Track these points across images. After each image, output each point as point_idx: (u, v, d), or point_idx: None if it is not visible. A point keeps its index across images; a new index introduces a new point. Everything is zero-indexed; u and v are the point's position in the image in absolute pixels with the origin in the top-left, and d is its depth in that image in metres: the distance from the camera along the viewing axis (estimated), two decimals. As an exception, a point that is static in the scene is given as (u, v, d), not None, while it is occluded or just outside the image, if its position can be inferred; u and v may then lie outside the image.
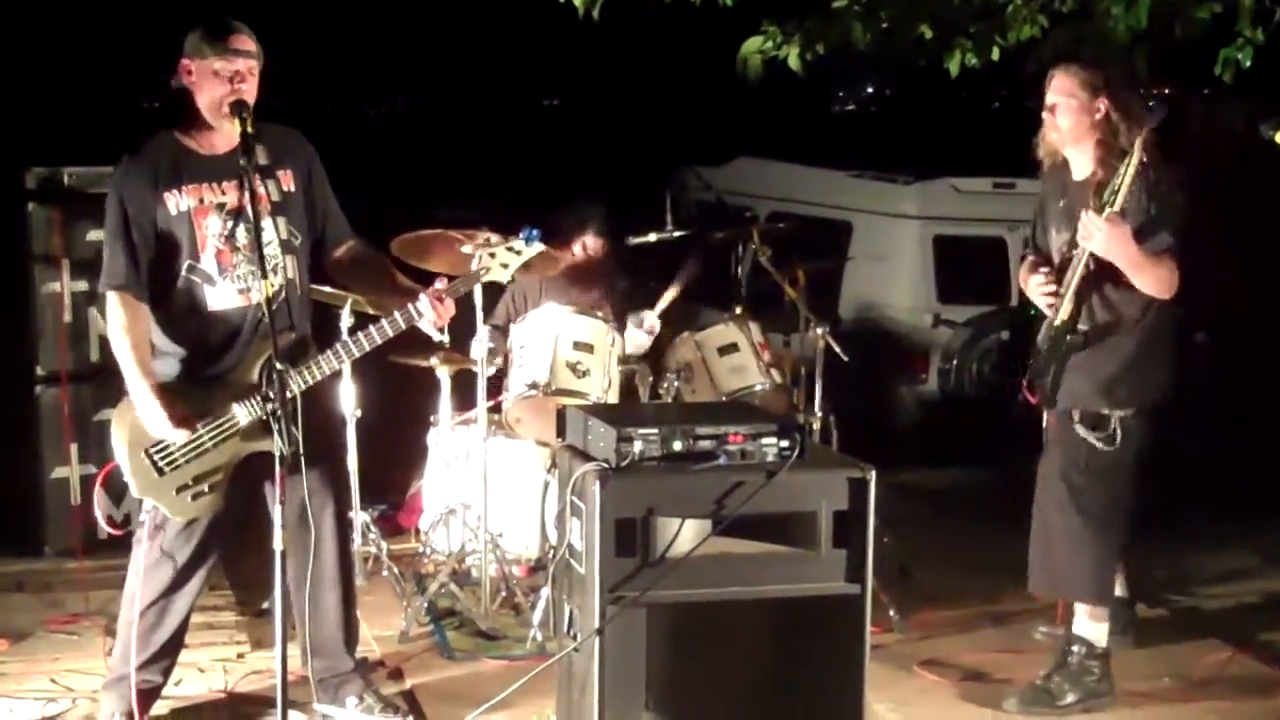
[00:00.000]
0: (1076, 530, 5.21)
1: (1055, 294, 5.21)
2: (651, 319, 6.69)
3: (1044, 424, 5.47)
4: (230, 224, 4.63)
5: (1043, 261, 5.40)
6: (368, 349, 4.71)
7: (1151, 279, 4.99)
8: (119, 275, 4.60)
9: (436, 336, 4.91)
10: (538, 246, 5.17)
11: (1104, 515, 5.22)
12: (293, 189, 4.74)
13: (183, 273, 4.63)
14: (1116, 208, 4.87)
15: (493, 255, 5.10)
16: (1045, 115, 5.25)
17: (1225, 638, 5.92)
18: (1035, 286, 5.30)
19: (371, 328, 4.69)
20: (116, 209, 4.60)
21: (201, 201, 4.62)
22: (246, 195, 4.42)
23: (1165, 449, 5.37)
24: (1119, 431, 5.15)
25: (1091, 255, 5.00)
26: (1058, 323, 5.19)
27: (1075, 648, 5.25)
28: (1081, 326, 5.15)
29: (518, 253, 5.11)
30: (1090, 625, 5.25)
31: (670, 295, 6.73)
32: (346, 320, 5.90)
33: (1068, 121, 5.18)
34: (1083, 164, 5.24)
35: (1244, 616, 6.26)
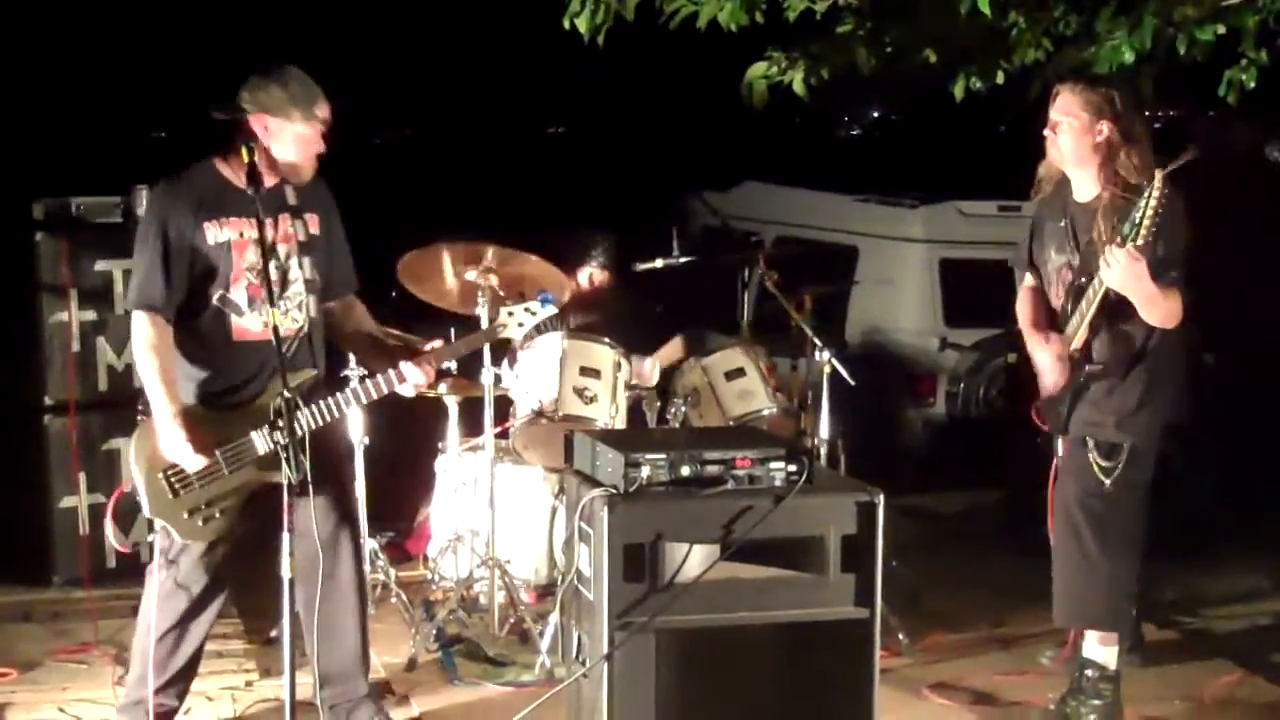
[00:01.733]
0: (1094, 557, 5.19)
1: (1068, 359, 5.18)
2: (654, 366, 6.67)
3: (1056, 450, 5.43)
4: (262, 259, 4.68)
5: (1046, 305, 5.37)
6: (364, 402, 4.89)
7: (1162, 313, 4.97)
8: (153, 296, 4.66)
9: (408, 394, 5.01)
10: (551, 309, 5.29)
11: (1119, 541, 5.20)
12: (317, 233, 4.87)
13: (214, 301, 4.72)
14: (1139, 241, 4.79)
15: (510, 314, 5.20)
16: (1047, 134, 5.22)
17: (1235, 659, 5.90)
18: (1051, 364, 5.24)
19: (368, 382, 4.87)
20: (157, 230, 4.67)
21: (241, 235, 4.71)
22: (296, 227, 4.69)
23: (1176, 471, 5.36)
24: (1134, 458, 5.14)
25: (1102, 294, 4.99)
26: (1072, 349, 5.17)
27: (1088, 671, 5.23)
28: (1096, 355, 5.13)
29: (533, 314, 5.22)
30: (1101, 649, 5.23)
31: (671, 349, 6.75)
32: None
33: (1069, 142, 5.15)
34: (1086, 186, 5.21)
35: (1254, 638, 6.24)
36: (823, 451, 6.39)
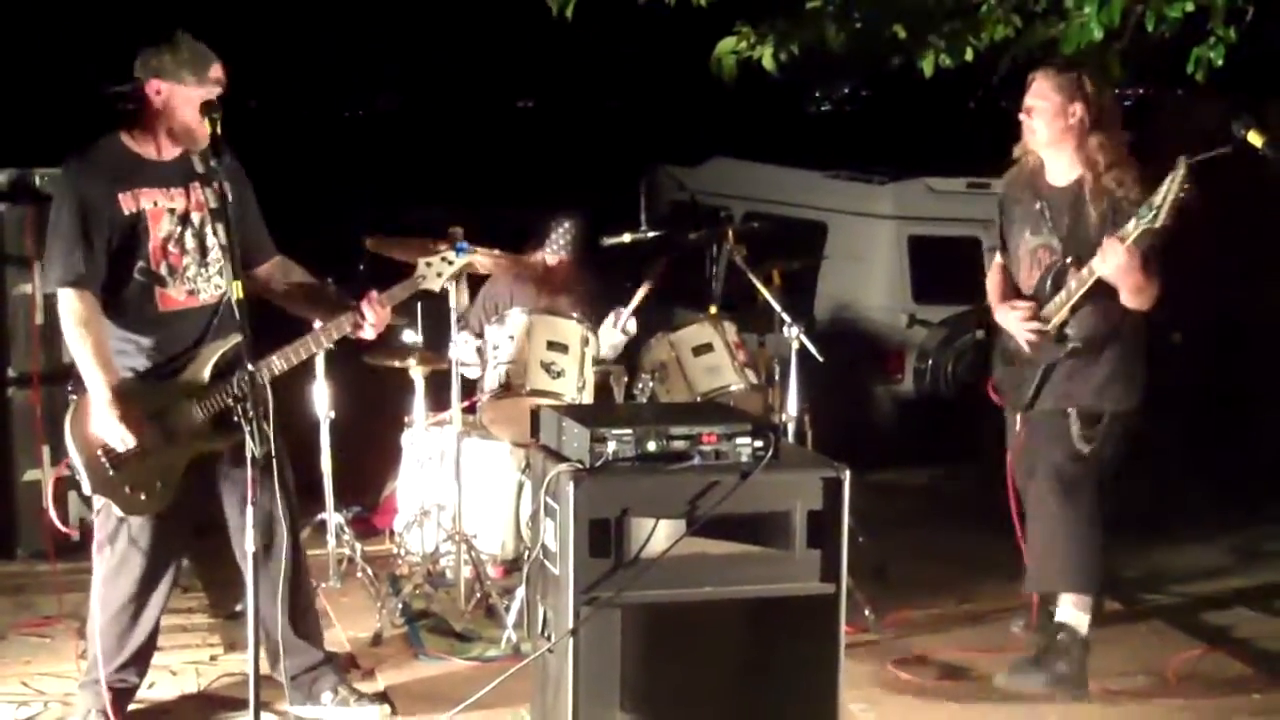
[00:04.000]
0: (1070, 522, 5.30)
1: (1038, 329, 5.30)
2: (627, 319, 6.67)
3: (1012, 425, 5.55)
4: (179, 228, 4.73)
5: (1012, 283, 5.48)
6: (315, 351, 4.90)
7: (1145, 300, 5.15)
8: (77, 271, 4.62)
9: (370, 336, 4.98)
10: (465, 258, 5.33)
11: (1092, 507, 5.32)
12: (230, 200, 4.77)
13: (135, 274, 4.70)
14: (1158, 224, 4.91)
15: (429, 264, 5.18)
16: (1022, 117, 5.32)
17: (1198, 635, 5.95)
18: (1017, 322, 5.36)
19: (318, 332, 4.85)
20: (73, 206, 4.64)
21: (155, 204, 4.70)
22: (205, 197, 4.60)
23: (1141, 447, 5.41)
24: (1113, 427, 5.29)
25: (1092, 282, 5.11)
26: (1050, 326, 5.28)
27: (1061, 635, 5.30)
28: (1069, 332, 5.25)
29: (449, 263, 5.22)
30: (1075, 613, 5.30)
31: (641, 294, 6.72)
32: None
33: (1043, 124, 5.25)
34: (1061, 169, 5.31)
35: (1217, 614, 6.27)
36: (790, 427, 6.40)
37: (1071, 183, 5.28)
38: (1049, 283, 5.31)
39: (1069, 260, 5.23)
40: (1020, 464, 5.55)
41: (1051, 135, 5.25)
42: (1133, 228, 4.97)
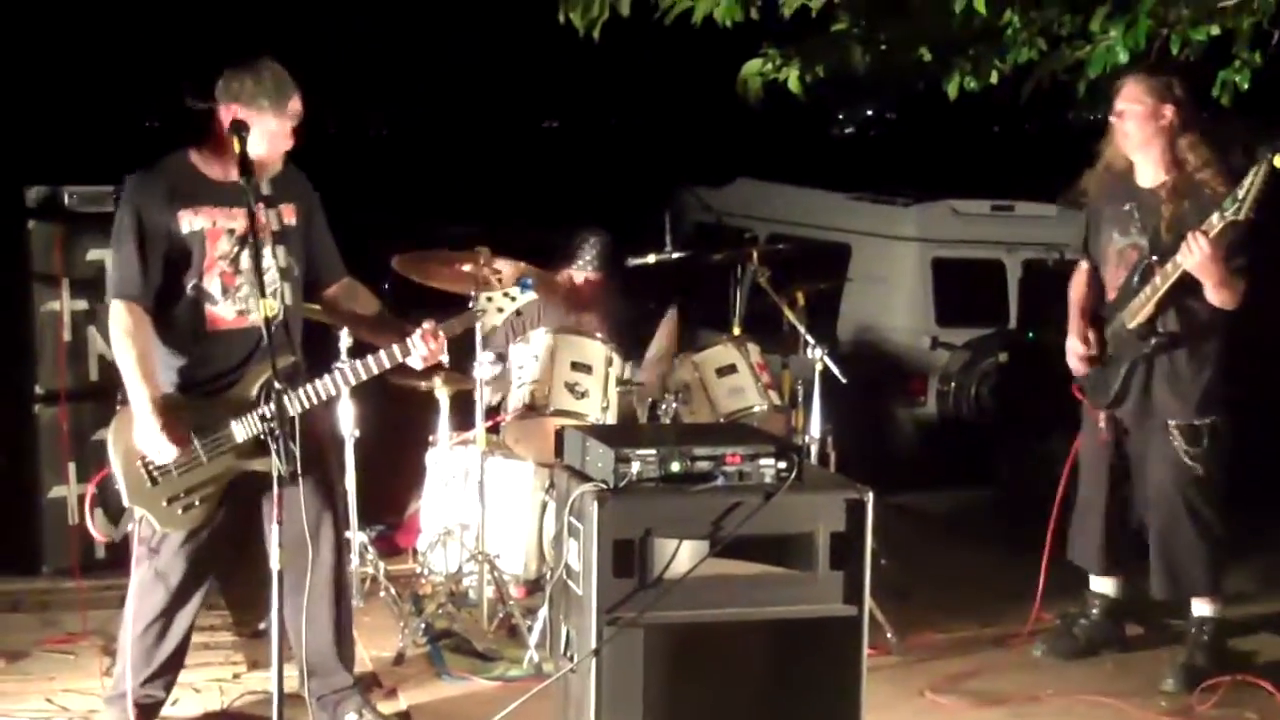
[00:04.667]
0: (1201, 531, 5.52)
1: (1092, 360, 5.57)
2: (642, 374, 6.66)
3: (1092, 424, 5.73)
4: (236, 248, 4.74)
5: (1098, 286, 5.67)
6: (364, 378, 4.87)
7: (1228, 296, 5.26)
8: (130, 284, 4.67)
9: (419, 367, 4.96)
10: (530, 296, 5.46)
11: (1215, 516, 5.54)
12: (293, 223, 4.88)
13: (188, 290, 4.73)
14: (1241, 216, 5.02)
15: (490, 299, 5.21)
16: (1113, 120, 5.47)
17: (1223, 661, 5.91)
18: (1071, 353, 5.64)
19: (370, 358, 4.84)
20: (131, 220, 4.68)
21: (214, 224, 4.73)
22: (269, 217, 4.68)
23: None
24: (1216, 437, 5.48)
25: (1176, 276, 5.24)
26: (1132, 325, 5.43)
27: (1204, 628, 5.60)
28: (1161, 329, 5.41)
29: (512, 299, 5.25)
30: (1208, 606, 5.64)
31: (656, 347, 6.73)
32: (345, 341, 5.90)
33: (1134, 127, 5.40)
34: (1149, 170, 5.47)
35: (1241, 639, 6.20)
36: (813, 449, 6.40)
37: (1160, 184, 5.43)
38: (1135, 279, 5.44)
39: (1155, 258, 5.34)
40: (1133, 467, 5.68)
41: (1144, 137, 5.40)
42: (1216, 220, 5.08)
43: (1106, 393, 5.58)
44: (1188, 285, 5.27)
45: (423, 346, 4.79)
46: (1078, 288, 5.77)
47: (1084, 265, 5.78)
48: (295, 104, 4.74)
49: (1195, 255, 5.10)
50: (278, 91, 4.69)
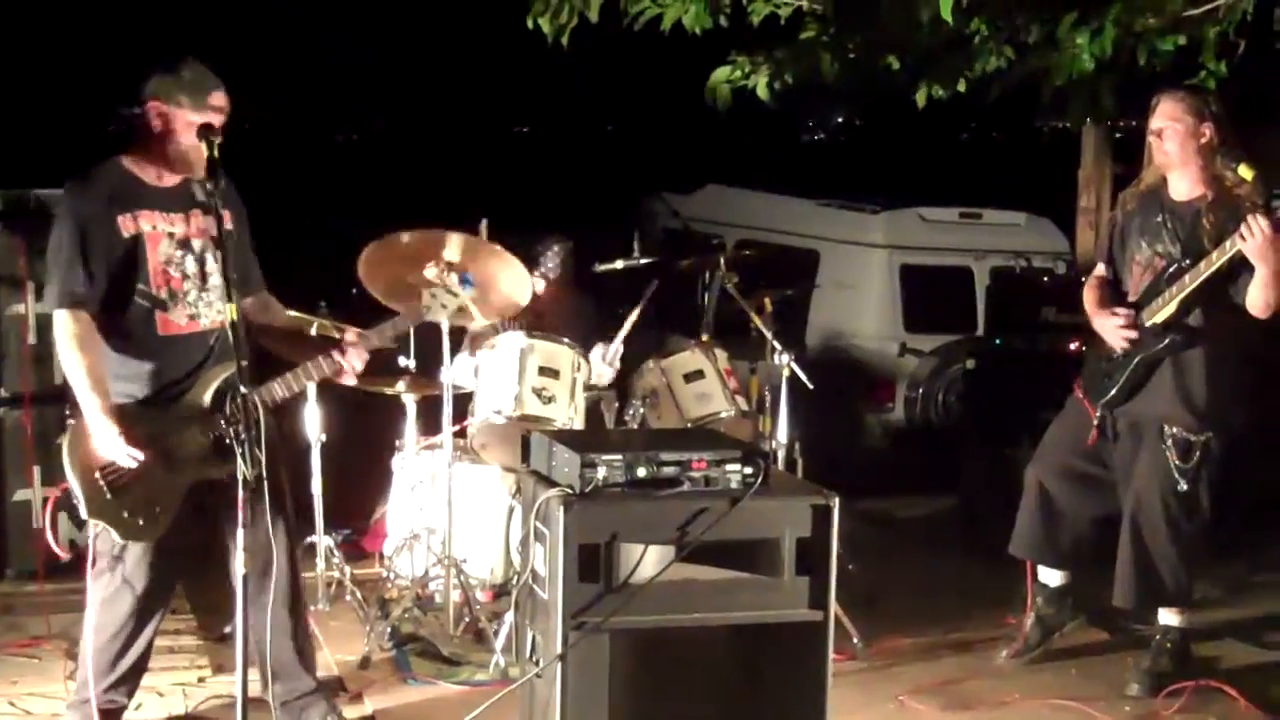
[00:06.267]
0: (1174, 548, 5.52)
1: (1131, 337, 5.48)
2: (615, 352, 6.67)
3: (1076, 417, 5.71)
4: (179, 253, 4.72)
5: (1111, 288, 5.66)
6: (310, 382, 4.89)
7: (1274, 295, 5.21)
8: (75, 293, 4.62)
9: (350, 383, 4.95)
10: (471, 291, 5.42)
11: (1194, 533, 5.55)
12: (231, 229, 4.75)
13: (134, 297, 4.69)
14: None
15: (433, 296, 5.21)
16: (1152, 139, 5.48)
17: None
18: (1114, 329, 5.52)
19: (308, 365, 4.80)
20: (72, 228, 4.64)
21: (154, 228, 4.70)
22: (207, 222, 4.67)
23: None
24: (1207, 455, 5.47)
25: (1225, 260, 5.21)
26: (1150, 323, 5.44)
27: (1169, 637, 5.65)
28: (1178, 331, 5.41)
29: (455, 295, 5.26)
30: (1174, 616, 5.67)
31: (628, 326, 6.72)
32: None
33: (1174, 145, 5.42)
34: (1185, 185, 5.48)
35: (1207, 645, 6.24)
36: (780, 455, 6.41)
37: (1196, 197, 5.45)
38: (1163, 281, 5.44)
39: (1185, 262, 5.35)
40: (1116, 471, 5.67)
41: (1184, 155, 5.42)
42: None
43: (1107, 387, 5.56)
44: (1216, 289, 5.27)
45: (358, 361, 4.80)
46: (1092, 295, 5.73)
47: (1098, 272, 5.78)
48: (216, 98, 4.66)
49: (1257, 237, 5.06)
50: (195, 86, 4.64)
